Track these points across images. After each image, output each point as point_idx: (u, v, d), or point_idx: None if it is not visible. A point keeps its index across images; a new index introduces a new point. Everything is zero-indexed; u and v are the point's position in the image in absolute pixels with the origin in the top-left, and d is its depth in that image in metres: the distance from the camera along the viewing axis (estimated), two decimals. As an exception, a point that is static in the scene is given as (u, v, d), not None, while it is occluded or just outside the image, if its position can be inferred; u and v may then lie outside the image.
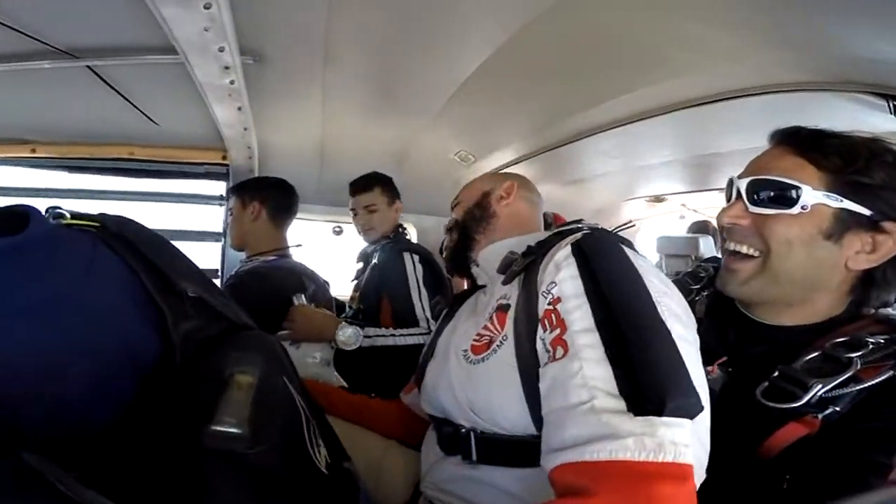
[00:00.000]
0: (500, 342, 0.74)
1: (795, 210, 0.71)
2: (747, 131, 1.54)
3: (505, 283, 0.81)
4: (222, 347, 0.58)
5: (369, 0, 1.17)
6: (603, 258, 0.68)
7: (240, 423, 0.48)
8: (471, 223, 1.02)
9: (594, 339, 0.59)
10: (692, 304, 0.86)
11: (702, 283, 0.93)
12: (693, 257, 2.47)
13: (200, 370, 0.54)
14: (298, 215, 1.93)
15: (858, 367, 0.63)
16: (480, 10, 1.20)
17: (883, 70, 0.89)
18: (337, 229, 2.37)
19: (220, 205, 2.23)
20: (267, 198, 1.79)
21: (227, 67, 1.20)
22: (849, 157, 0.70)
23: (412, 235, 2.57)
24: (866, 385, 0.62)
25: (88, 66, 1.36)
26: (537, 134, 2.01)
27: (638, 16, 1.05)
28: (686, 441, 0.51)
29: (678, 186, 2.38)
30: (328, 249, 2.54)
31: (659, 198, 2.58)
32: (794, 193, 0.71)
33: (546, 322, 0.66)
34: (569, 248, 0.71)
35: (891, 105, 0.91)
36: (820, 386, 0.62)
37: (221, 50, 1.12)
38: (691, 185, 2.32)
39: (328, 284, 1.97)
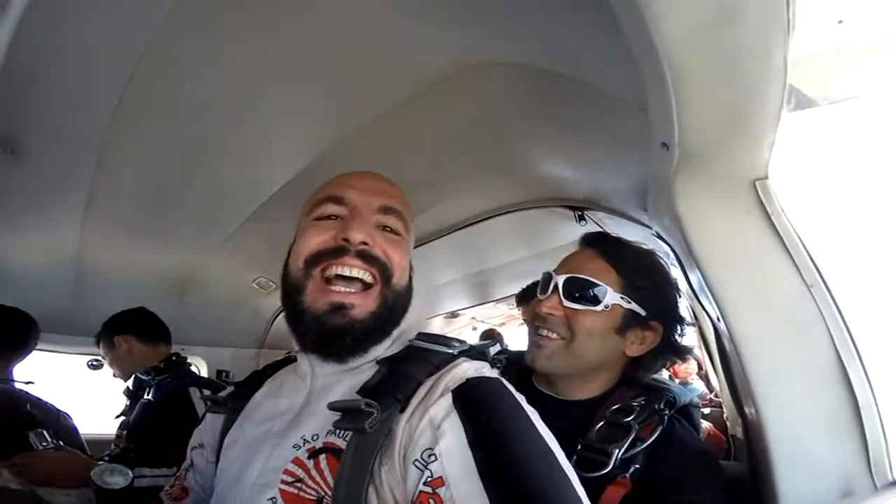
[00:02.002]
0: None
1: (599, 308, 0.87)
2: (505, 247, 2.00)
3: (338, 425, 0.59)
4: None
5: (162, 106, 1.14)
6: (498, 419, 0.55)
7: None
8: (402, 297, 0.72)
9: None
10: None
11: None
12: (487, 360, 2.78)
13: None
14: (46, 347, 1.60)
15: (637, 428, 0.78)
16: (283, 135, 1.30)
17: (567, 187, 1.36)
18: (94, 363, 1.88)
19: None
20: None
21: (-38, 156, 0.95)
22: (637, 266, 0.93)
23: (202, 369, 2.24)
24: (649, 442, 0.78)
25: None
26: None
27: (412, 147, 1.32)
28: None
29: (466, 302, 2.77)
30: (85, 384, 2.06)
31: (454, 313, 2.93)
32: (600, 294, 0.87)
33: None
34: (448, 398, 0.57)
35: (576, 215, 1.39)
36: (617, 451, 0.75)
37: (-36, 135, 0.90)
38: (476, 300, 2.74)
39: (68, 416, 1.55)
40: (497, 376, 0.63)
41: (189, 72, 1.05)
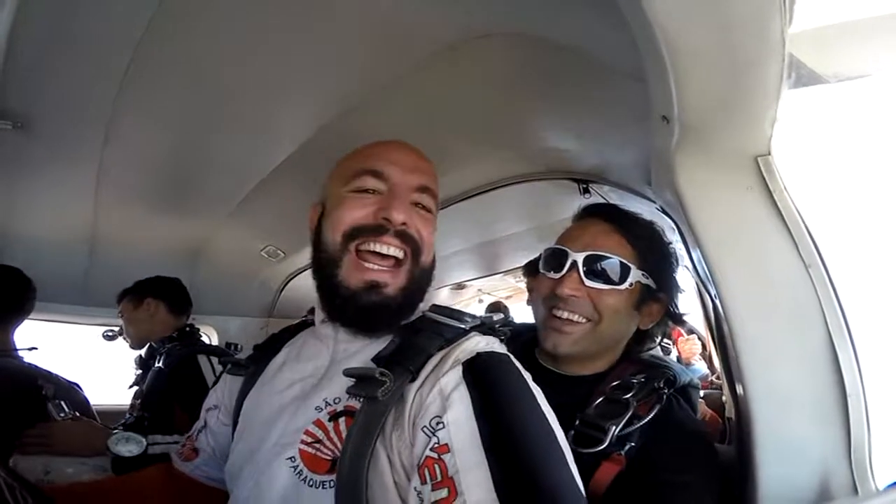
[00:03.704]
0: None
1: (623, 286, 0.84)
2: (510, 219, 1.98)
3: (351, 391, 0.62)
4: None
5: (166, 77, 1.14)
6: (504, 394, 0.58)
7: None
8: (428, 272, 0.74)
9: None
10: None
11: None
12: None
13: None
14: (58, 317, 1.62)
15: (635, 405, 0.78)
16: (289, 103, 1.28)
17: (572, 159, 1.33)
18: (109, 334, 1.96)
19: None
20: None
21: (-28, 129, 0.97)
22: (649, 239, 0.90)
23: (212, 338, 2.31)
24: (645, 420, 0.77)
25: None
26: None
27: (415, 118, 1.28)
28: None
29: (473, 273, 2.79)
30: (99, 356, 2.12)
31: (461, 285, 2.95)
32: (624, 272, 0.84)
33: (426, 473, 0.53)
34: (459, 370, 0.60)
35: (580, 187, 1.36)
36: (614, 427, 0.75)
37: (-27, 108, 0.91)
38: (482, 271, 2.75)
39: (78, 387, 1.59)
40: (506, 352, 0.66)
41: (193, 44, 1.04)
